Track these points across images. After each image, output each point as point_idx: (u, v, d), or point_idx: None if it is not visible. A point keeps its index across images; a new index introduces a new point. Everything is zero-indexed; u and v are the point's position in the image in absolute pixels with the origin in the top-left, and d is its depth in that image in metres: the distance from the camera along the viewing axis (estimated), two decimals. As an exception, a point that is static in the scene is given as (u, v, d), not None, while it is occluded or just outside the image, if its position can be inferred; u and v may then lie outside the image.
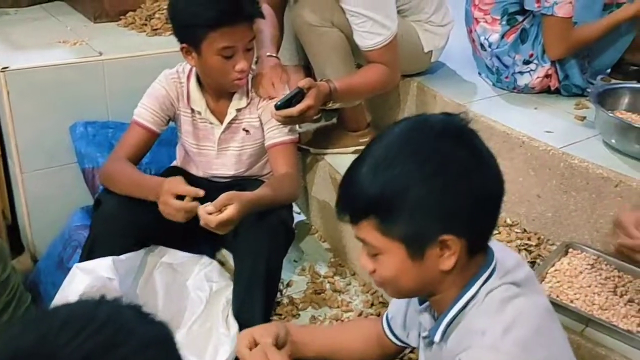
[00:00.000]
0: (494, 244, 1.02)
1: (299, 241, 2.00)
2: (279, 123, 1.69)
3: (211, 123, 1.75)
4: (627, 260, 1.44)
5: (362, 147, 2.07)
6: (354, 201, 0.95)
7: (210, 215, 1.43)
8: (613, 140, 1.65)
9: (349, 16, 1.79)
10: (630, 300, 1.40)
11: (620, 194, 1.54)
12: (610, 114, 1.67)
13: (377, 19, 1.76)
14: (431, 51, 2.04)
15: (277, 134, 1.73)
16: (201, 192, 1.49)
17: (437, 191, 0.90)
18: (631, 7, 1.87)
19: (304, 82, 1.67)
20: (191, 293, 1.65)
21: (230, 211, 1.43)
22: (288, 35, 2.09)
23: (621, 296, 1.42)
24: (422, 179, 0.89)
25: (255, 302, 1.54)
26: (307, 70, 2.10)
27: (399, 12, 1.92)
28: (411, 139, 0.93)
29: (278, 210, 1.62)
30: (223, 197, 1.45)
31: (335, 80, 1.76)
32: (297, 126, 1.80)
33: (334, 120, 2.16)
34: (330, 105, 1.80)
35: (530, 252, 1.66)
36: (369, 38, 1.79)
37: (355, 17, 1.78)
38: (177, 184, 1.52)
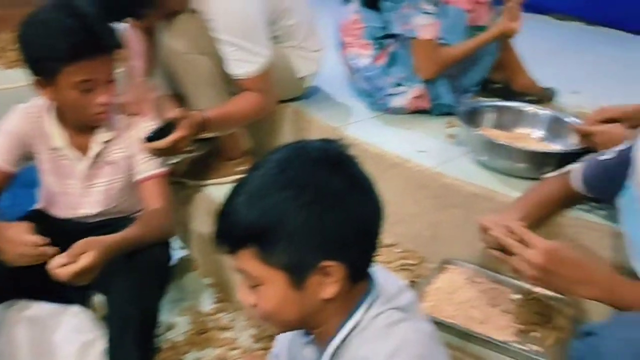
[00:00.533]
0: (377, 269, 1.00)
1: (180, 279, 1.90)
2: (149, 155, 1.60)
3: (73, 159, 1.63)
4: (501, 270, 1.50)
5: (241, 176, 2.04)
6: (232, 230, 0.92)
7: (63, 267, 1.32)
8: (482, 157, 1.70)
9: (219, 44, 1.74)
10: (505, 311, 1.44)
11: (492, 209, 1.58)
12: (478, 132, 1.73)
13: (249, 47, 1.73)
14: (305, 76, 2.04)
15: (146, 168, 1.65)
16: (49, 252, 1.37)
17: (315, 218, 0.88)
18: (495, 29, 1.96)
19: (175, 113, 1.60)
20: (59, 348, 1.51)
21: (85, 260, 1.32)
22: (159, 63, 2.00)
23: (497, 307, 1.45)
24: (298, 206, 0.87)
25: (129, 351, 1.43)
26: (180, 99, 2.03)
27: (271, 38, 1.90)
28: (288, 167, 0.91)
29: (151, 248, 1.52)
30: (78, 245, 1.34)
31: (208, 109, 1.71)
32: (171, 158, 1.73)
33: (210, 149, 2.10)
34: (203, 135, 1.74)
35: (411, 271, 1.67)
36: (240, 67, 1.75)
37: (225, 46, 1.74)
38: (20, 232, 1.39)
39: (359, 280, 0.95)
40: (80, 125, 1.61)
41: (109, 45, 1.51)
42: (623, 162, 1.27)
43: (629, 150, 1.26)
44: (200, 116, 1.66)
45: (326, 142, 0.96)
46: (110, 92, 1.54)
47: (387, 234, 1.81)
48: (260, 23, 1.77)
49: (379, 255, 1.71)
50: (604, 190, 1.35)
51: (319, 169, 0.90)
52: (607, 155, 1.33)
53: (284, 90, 2.02)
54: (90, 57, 1.46)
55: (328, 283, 0.91)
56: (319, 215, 0.88)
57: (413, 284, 1.58)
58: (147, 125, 1.65)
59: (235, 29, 1.71)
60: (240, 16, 1.72)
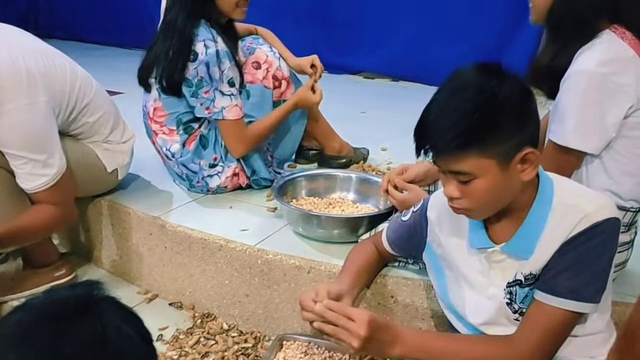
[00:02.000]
0: None
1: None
2: None
3: None
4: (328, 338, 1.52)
5: (60, 281, 1.89)
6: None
7: None
8: (300, 229, 1.74)
9: (8, 158, 1.62)
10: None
11: (314, 278, 1.61)
12: (291, 206, 1.77)
13: (39, 159, 1.62)
14: (116, 169, 1.97)
15: None
16: None
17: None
18: (292, 98, 2.04)
19: None
20: None
21: None
22: None
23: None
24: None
25: None
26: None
27: (71, 136, 1.82)
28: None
29: None
30: None
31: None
32: None
33: (19, 260, 1.94)
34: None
35: (247, 355, 1.64)
36: (31, 180, 1.64)
37: (13, 159, 1.62)
38: None
39: None
40: None
41: None
42: (420, 221, 1.36)
43: (424, 209, 1.35)
44: None
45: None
46: None
47: (224, 318, 1.78)
48: (49, 133, 1.66)
49: (215, 343, 1.67)
50: (408, 248, 1.43)
51: None
52: (406, 216, 1.41)
53: (94, 185, 1.95)
54: None
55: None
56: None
57: (250, 368, 1.55)
58: None
59: (22, 142, 1.60)
60: (25, 129, 1.60)
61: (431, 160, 1.14)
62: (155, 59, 1.90)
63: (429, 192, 1.60)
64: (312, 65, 2.13)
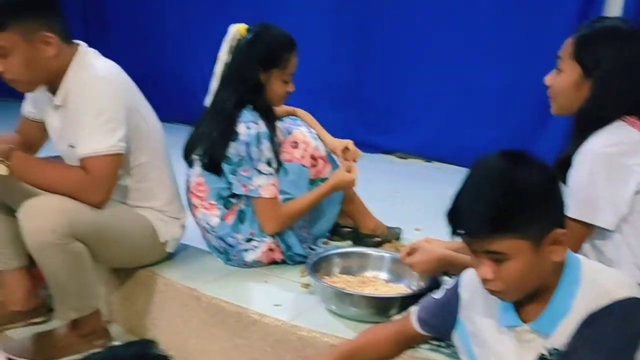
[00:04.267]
0: None
1: None
2: None
3: None
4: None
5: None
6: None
7: None
8: (333, 307, 1.76)
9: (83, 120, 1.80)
10: None
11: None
12: (324, 283, 1.80)
13: (103, 126, 1.78)
14: (167, 241, 2.05)
15: None
16: None
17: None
18: (331, 180, 2.10)
19: None
20: None
21: None
22: None
23: None
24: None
25: None
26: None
27: (129, 198, 1.97)
28: None
29: None
30: None
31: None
32: None
33: (62, 326, 1.99)
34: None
35: None
36: (88, 142, 1.78)
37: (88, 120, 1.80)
38: None
39: None
40: None
41: None
42: (452, 298, 1.39)
43: (457, 287, 1.39)
44: (8, 148, 1.76)
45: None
46: None
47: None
48: (121, 112, 1.83)
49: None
50: (439, 326, 1.44)
51: None
52: (438, 294, 1.44)
53: (146, 255, 2.04)
54: None
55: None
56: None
57: None
58: None
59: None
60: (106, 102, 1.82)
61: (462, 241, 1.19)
62: (200, 137, 2.01)
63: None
64: (346, 149, 2.21)
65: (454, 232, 1.17)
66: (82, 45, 1.90)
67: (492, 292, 1.21)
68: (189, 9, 4.90)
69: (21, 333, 2.02)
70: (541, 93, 1.62)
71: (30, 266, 2.06)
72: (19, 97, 2.03)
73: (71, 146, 1.86)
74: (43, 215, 1.71)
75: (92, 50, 1.92)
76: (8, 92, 2.05)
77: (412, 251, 1.72)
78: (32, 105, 2.04)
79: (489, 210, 1.12)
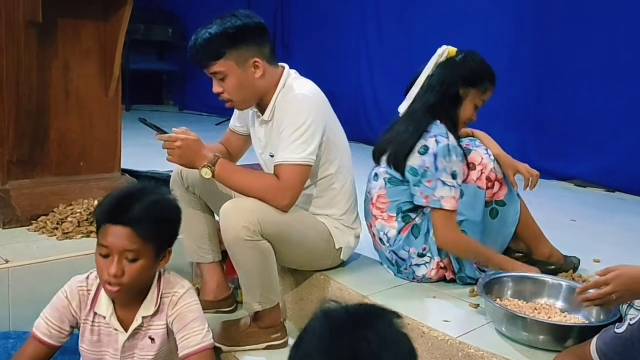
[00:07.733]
0: None
1: None
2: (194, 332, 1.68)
3: (116, 330, 1.70)
4: None
5: (274, 343, 2.11)
6: None
7: None
8: (503, 329, 1.76)
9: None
10: None
11: (514, 380, 1.61)
12: (497, 305, 1.80)
13: (299, 140, 1.98)
14: (342, 248, 2.19)
15: (191, 343, 1.67)
16: None
17: None
18: (509, 263, 2.09)
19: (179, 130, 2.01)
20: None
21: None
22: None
23: None
24: None
25: None
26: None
27: (311, 205, 2.14)
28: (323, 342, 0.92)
29: None
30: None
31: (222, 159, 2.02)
32: (206, 327, 1.78)
33: (246, 317, 2.19)
34: (205, 174, 1.99)
35: None
36: (286, 152, 1.98)
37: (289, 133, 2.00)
38: None
39: None
40: (127, 298, 1.71)
41: (132, 219, 1.56)
42: (636, 337, 1.33)
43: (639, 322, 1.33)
44: (211, 156, 2.00)
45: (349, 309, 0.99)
46: (120, 268, 1.55)
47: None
48: (319, 131, 2.03)
49: None
50: None
51: (348, 335, 0.90)
52: (620, 328, 1.39)
53: (323, 260, 2.19)
54: (110, 224, 1.56)
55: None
56: None
57: None
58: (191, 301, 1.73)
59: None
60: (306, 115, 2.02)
61: None
62: (391, 139, 2.15)
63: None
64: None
65: None
66: (286, 67, 2.14)
67: None
68: (365, 34, 5.11)
69: (211, 320, 2.25)
70: None
71: (223, 262, 2.34)
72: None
73: (271, 155, 2.09)
74: (239, 215, 1.92)
75: (293, 71, 2.15)
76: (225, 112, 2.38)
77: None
78: (238, 120, 2.33)
79: None
